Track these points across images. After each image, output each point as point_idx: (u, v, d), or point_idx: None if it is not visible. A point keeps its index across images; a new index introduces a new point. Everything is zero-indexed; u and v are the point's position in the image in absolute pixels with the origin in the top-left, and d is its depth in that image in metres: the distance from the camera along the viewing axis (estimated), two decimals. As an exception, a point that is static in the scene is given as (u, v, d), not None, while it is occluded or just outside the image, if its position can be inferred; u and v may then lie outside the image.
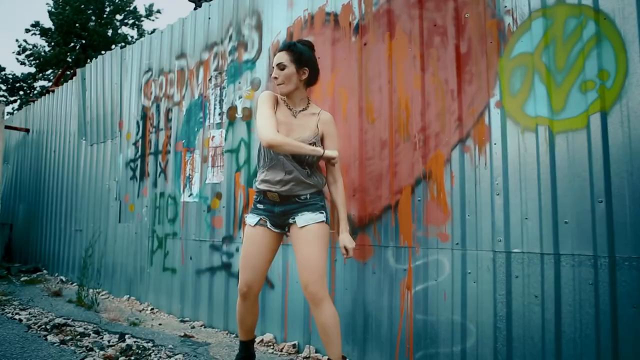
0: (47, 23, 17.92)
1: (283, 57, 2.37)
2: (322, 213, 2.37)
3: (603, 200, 2.01)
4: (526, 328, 2.17)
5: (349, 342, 2.77)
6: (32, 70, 18.54)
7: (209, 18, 4.11)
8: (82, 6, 17.34)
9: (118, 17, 19.11)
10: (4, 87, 18.33)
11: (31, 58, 18.26)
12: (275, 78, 2.38)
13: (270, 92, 2.46)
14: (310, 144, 2.35)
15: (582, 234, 2.05)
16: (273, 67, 2.40)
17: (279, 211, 2.40)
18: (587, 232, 2.04)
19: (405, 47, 2.71)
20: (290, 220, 2.38)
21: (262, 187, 2.41)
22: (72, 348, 3.03)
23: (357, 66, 2.91)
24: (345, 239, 2.43)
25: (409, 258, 2.58)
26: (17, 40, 19.43)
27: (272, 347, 3.15)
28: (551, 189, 2.15)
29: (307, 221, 2.32)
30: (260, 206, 2.45)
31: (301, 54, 2.39)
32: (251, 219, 2.46)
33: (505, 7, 2.37)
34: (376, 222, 2.73)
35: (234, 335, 3.48)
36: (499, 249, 2.29)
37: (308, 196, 2.37)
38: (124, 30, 19.39)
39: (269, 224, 2.42)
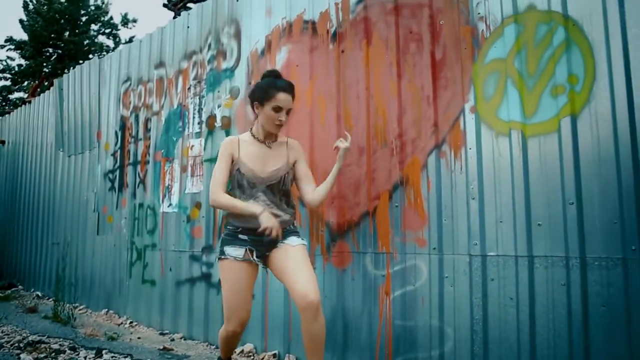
0: (21, 36, 17.73)
1: (291, 102, 2.37)
2: (304, 239, 2.45)
3: (574, 202, 2.05)
4: (502, 330, 2.18)
5: (329, 349, 2.75)
6: (8, 83, 18.32)
7: (188, 27, 4.11)
8: (57, 16, 17.18)
9: (94, 26, 19.01)
10: (-21, 102, 18.09)
11: (6, 72, 18.06)
12: (281, 121, 2.35)
13: (228, 139, 2.46)
14: (284, 173, 2.39)
15: (554, 236, 2.08)
16: (277, 108, 2.32)
17: (268, 240, 2.28)
18: (559, 233, 2.07)
19: (382, 54, 2.74)
20: (279, 244, 2.34)
21: (253, 225, 2.28)
22: (46, 364, 2.95)
23: (335, 73, 2.94)
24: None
25: (387, 264, 2.59)
26: None
27: (252, 357, 3.11)
28: (524, 192, 2.18)
29: (297, 242, 2.36)
30: (244, 236, 2.34)
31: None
32: (235, 251, 2.33)
33: (479, 13, 2.41)
34: (355, 229, 2.73)
35: (214, 346, 3.43)
36: (475, 252, 2.30)
37: (292, 226, 2.45)
38: (101, 39, 19.28)
39: (255, 256, 2.34)
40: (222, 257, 2.35)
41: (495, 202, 2.27)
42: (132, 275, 4.38)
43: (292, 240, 2.36)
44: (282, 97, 2.32)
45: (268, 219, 2.22)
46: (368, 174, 2.71)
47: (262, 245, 2.33)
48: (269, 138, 2.45)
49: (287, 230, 2.39)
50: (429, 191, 2.48)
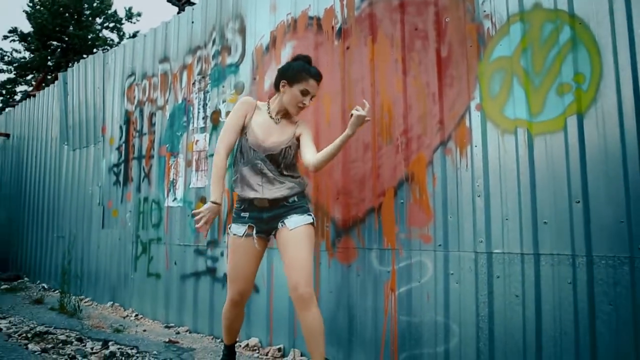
0: (25, 27, 17.67)
1: (317, 90, 2.50)
2: (310, 215, 2.43)
3: (580, 200, 2.05)
4: (507, 327, 2.19)
5: (334, 344, 2.78)
6: (12, 76, 18.26)
7: (192, 22, 4.10)
8: (61, 9, 17.09)
9: (98, 20, 18.94)
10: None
11: (10, 64, 18.00)
12: (304, 104, 2.46)
13: (248, 99, 2.54)
14: (286, 146, 2.44)
15: (560, 234, 2.09)
16: (305, 92, 2.41)
17: (268, 217, 2.42)
18: (566, 231, 2.07)
19: (387, 51, 2.74)
20: (279, 225, 2.39)
21: (250, 195, 2.42)
22: (54, 356, 2.98)
23: (339, 70, 2.93)
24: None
25: (393, 260, 2.60)
26: None
27: (257, 351, 3.14)
28: (530, 190, 2.19)
29: (297, 223, 2.36)
30: (245, 214, 2.45)
31: None
32: (237, 229, 2.45)
33: (485, 11, 2.41)
34: (360, 225, 2.74)
35: (219, 340, 3.46)
36: (480, 249, 2.32)
37: (296, 199, 2.43)
38: (105, 33, 19.18)
39: (255, 232, 2.43)
40: (229, 232, 2.52)
41: (501, 199, 2.27)
42: (137, 268, 4.41)
43: (293, 222, 2.35)
44: (312, 83, 2.44)
45: (202, 210, 2.38)
46: (373, 170, 2.72)
47: (261, 223, 2.43)
48: (281, 115, 2.52)
49: (288, 206, 2.40)
50: (435, 188, 2.49)
